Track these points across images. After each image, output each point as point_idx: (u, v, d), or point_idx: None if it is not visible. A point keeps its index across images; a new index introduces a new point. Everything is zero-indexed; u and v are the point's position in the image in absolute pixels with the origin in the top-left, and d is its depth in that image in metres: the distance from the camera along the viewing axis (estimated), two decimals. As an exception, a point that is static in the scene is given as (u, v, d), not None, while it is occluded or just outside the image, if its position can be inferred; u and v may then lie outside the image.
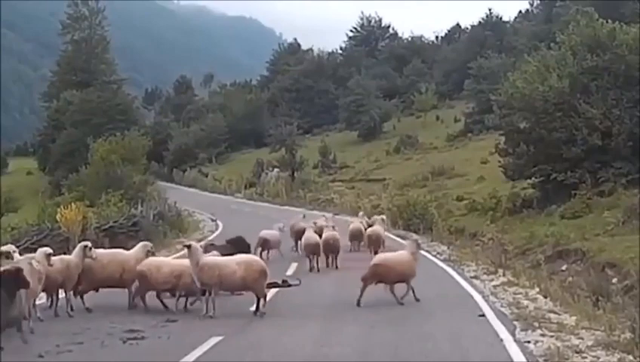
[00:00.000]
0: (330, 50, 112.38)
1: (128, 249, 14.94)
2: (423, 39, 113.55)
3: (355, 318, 12.58)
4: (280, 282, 15.77)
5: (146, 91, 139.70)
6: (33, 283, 10.59)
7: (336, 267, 19.92)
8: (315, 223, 22.41)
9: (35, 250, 19.29)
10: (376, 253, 22.32)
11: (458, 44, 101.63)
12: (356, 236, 23.98)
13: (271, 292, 14.08)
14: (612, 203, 25.54)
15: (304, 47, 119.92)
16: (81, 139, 62.90)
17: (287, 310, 13.44)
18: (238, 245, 17.39)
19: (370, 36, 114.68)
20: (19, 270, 10.28)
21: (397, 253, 15.02)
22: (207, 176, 76.14)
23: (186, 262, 13.08)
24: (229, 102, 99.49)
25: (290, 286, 15.87)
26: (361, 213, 27.90)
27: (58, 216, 23.85)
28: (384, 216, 24.22)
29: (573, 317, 12.29)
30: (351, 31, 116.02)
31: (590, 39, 30.50)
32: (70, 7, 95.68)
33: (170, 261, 14.72)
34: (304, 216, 26.10)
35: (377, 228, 22.77)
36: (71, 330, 11.23)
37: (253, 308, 13.07)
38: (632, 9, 50.84)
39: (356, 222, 24.92)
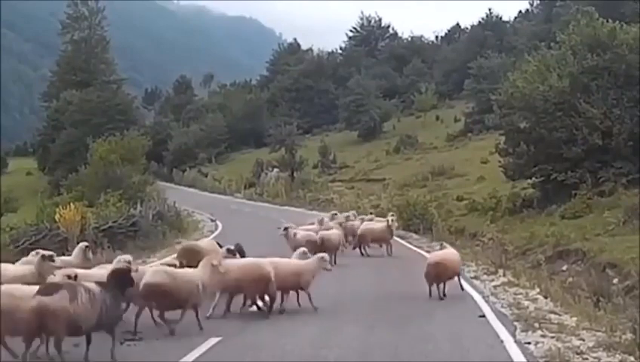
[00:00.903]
0: (330, 50, 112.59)
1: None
2: (423, 39, 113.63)
3: (354, 319, 12.51)
4: None
5: (146, 91, 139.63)
6: None
7: (334, 262, 20.27)
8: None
9: (33, 250, 19.17)
10: (360, 246, 23.38)
11: (458, 44, 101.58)
12: None
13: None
14: (612, 203, 25.47)
15: (304, 47, 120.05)
16: (81, 139, 62.91)
17: (286, 310, 13.35)
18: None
19: (370, 36, 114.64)
20: (129, 269, 10.57)
21: (449, 251, 15.55)
22: (206, 176, 76.09)
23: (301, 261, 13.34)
24: (228, 102, 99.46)
25: None
26: (390, 215, 28.09)
27: (57, 216, 23.73)
28: (392, 218, 24.54)
29: (574, 318, 12.22)
30: (351, 31, 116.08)
31: (590, 39, 30.43)
32: (70, 7, 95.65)
33: (287, 261, 14.34)
34: (336, 214, 26.17)
35: (371, 224, 24.52)
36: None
37: (253, 308, 13.03)
38: (632, 9, 50.79)
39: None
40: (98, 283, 9.66)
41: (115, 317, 9.65)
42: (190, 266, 13.24)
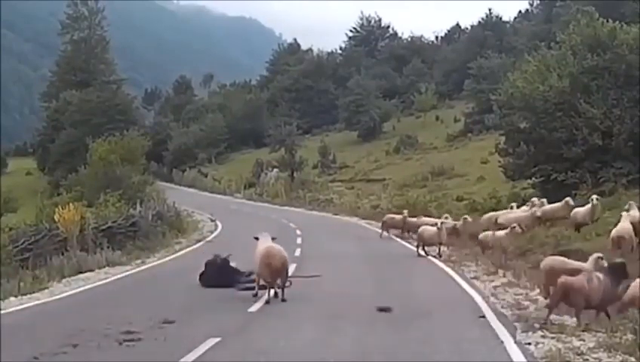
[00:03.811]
0: (329, 50, 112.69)
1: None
2: (422, 39, 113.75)
3: (354, 320, 12.47)
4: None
5: (146, 91, 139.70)
6: None
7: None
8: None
9: (32, 250, 19.05)
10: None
11: (458, 44, 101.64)
12: None
13: (270, 293, 14.02)
14: (613, 203, 25.39)
15: (304, 47, 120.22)
16: (81, 139, 62.92)
17: (286, 310, 13.33)
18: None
19: (370, 36, 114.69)
20: (624, 263, 12.13)
21: None
22: (206, 177, 76.12)
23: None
24: (228, 103, 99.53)
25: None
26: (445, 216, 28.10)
27: (56, 217, 23.60)
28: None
29: (575, 319, 12.17)
30: (350, 31, 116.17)
31: (590, 39, 30.43)
32: (70, 7, 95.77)
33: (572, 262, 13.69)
34: (448, 216, 26.90)
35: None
36: (66, 332, 11.11)
37: (252, 308, 13.01)
38: (632, 9, 50.78)
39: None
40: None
41: (610, 300, 11.64)
42: None
